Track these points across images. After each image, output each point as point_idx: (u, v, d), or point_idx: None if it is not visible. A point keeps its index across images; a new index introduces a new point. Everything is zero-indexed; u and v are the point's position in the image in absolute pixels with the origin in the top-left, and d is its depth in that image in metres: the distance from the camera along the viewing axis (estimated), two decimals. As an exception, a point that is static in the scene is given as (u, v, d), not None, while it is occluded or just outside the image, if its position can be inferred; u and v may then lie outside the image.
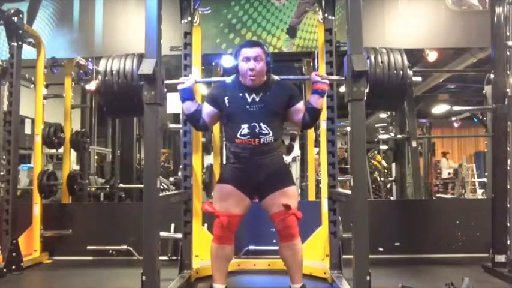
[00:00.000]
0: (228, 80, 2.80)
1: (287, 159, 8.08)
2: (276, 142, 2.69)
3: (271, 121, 2.65)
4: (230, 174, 2.73)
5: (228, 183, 2.71)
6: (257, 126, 2.62)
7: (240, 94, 2.68)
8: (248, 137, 2.61)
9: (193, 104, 2.75)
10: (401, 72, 2.64)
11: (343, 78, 2.59)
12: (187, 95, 2.74)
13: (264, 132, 2.62)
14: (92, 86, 2.73)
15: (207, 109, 2.76)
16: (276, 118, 2.70)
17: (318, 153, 4.37)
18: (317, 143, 4.64)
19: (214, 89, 2.84)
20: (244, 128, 2.62)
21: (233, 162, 2.72)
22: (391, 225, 4.32)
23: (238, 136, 2.63)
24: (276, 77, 2.76)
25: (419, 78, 3.04)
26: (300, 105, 2.74)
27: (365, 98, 2.47)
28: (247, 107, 2.65)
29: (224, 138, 2.80)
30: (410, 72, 2.73)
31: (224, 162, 3.93)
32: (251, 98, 2.66)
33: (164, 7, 2.69)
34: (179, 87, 2.73)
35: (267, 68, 2.68)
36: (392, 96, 2.74)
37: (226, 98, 2.69)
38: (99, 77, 2.70)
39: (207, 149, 4.43)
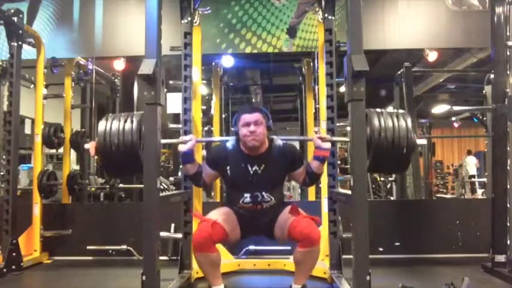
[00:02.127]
0: (229, 143, 2.79)
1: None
2: (277, 202, 2.75)
3: (273, 188, 2.73)
4: (232, 209, 2.79)
5: (228, 208, 2.78)
6: (259, 196, 2.68)
7: (242, 165, 2.70)
8: (250, 204, 2.70)
9: (194, 166, 2.77)
10: (406, 139, 2.51)
11: (347, 139, 2.58)
12: (188, 158, 2.75)
13: (266, 200, 2.70)
14: (90, 146, 2.69)
15: (208, 171, 2.79)
16: (277, 184, 2.79)
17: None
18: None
19: (216, 153, 2.86)
20: (247, 197, 2.69)
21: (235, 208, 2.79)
22: (391, 225, 4.32)
23: (241, 203, 2.70)
24: (278, 142, 2.77)
25: (424, 141, 2.94)
26: (301, 169, 2.78)
27: (364, 98, 2.46)
28: (250, 178, 2.69)
29: (225, 200, 2.86)
30: (415, 137, 2.61)
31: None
32: (253, 169, 2.69)
33: (164, 7, 2.68)
34: (180, 148, 2.72)
35: (268, 131, 2.71)
36: (397, 161, 2.63)
37: (228, 167, 2.72)
38: (97, 138, 2.65)
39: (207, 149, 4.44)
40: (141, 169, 2.50)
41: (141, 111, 2.63)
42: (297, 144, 3.77)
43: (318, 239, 2.62)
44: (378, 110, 2.64)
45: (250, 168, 2.68)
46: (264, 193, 2.68)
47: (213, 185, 5.27)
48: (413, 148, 2.57)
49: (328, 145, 2.71)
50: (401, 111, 2.68)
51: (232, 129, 2.79)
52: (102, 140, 2.61)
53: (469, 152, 12.52)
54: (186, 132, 3.46)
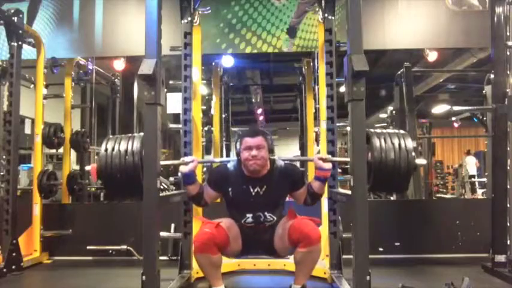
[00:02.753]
0: (230, 165, 2.81)
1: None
2: (279, 219, 2.78)
3: (275, 208, 2.76)
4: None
5: (232, 220, 2.79)
6: (262, 216, 2.71)
7: (244, 186, 2.72)
8: (253, 224, 2.72)
9: (196, 187, 2.77)
10: (406, 159, 2.53)
11: (348, 159, 2.59)
12: (190, 179, 2.74)
13: (268, 219, 2.73)
14: (91, 170, 2.67)
15: (210, 192, 2.80)
16: (279, 203, 2.80)
17: (318, 153, 4.37)
18: (317, 143, 4.64)
19: (217, 175, 2.87)
20: (249, 218, 2.72)
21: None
22: (391, 225, 4.32)
23: (243, 222, 2.73)
24: (280, 163, 2.78)
25: (423, 161, 2.97)
26: (303, 190, 2.80)
27: (364, 98, 2.46)
28: (251, 200, 2.71)
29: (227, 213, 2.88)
30: (414, 157, 2.63)
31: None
32: (255, 191, 2.71)
33: (164, 7, 2.68)
34: (181, 169, 2.72)
35: (269, 153, 2.73)
36: (397, 181, 2.64)
37: (230, 188, 2.74)
38: (98, 159, 2.64)
39: (207, 149, 4.44)
40: (142, 193, 2.49)
41: (142, 133, 2.62)
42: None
43: (318, 238, 2.61)
44: (378, 130, 2.66)
45: (252, 190, 2.71)
46: (266, 213, 2.72)
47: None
48: (414, 169, 2.59)
49: (329, 166, 2.72)
50: (401, 131, 2.69)
51: (236, 150, 2.79)
52: (103, 163, 2.59)
53: (468, 152, 12.50)
54: (186, 133, 3.47)
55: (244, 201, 2.72)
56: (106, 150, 2.60)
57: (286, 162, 2.84)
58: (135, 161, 2.57)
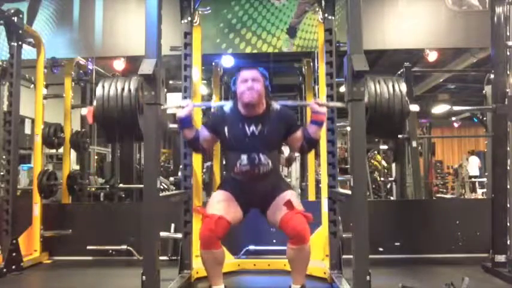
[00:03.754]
0: (227, 106, 2.80)
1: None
2: (274, 168, 2.74)
3: (270, 151, 2.71)
4: (229, 184, 2.79)
5: (225, 190, 2.77)
6: (256, 158, 2.66)
7: (240, 125, 2.70)
8: (248, 167, 2.66)
9: (192, 131, 2.77)
10: (400, 103, 2.60)
11: (344, 105, 2.59)
12: (186, 124, 2.74)
13: (263, 163, 2.67)
14: (86, 112, 2.66)
15: (206, 135, 2.79)
16: (275, 147, 2.77)
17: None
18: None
19: (214, 116, 2.87)
20: (244, 159, 2.66)
21: (233, 178, 2.76)
22: (391, 225, 4.32)
23: (238, 166, 2.68)
24: (276, 106, 2.77)
25: (417, 108, 3.05)
26: (299, 134, 2.77)
27: (364, 98, 2.48)
28: (247, 139, 2.68)
29: (224, 165, 2.86)
30: (408, 104, 2.70)
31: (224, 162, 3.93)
32: (250, 130, 2.69)
33: (164, 7, 2.68)
34: (178, 114, 2.73)
35: (266, 93, 2.71)
36: (392, 125, 2.71)
37: (226, 128, 2.72)
38: (95, 102, 2.64)
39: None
40: (140, 135, 2.50)
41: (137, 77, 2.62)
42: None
43: (308, 238, 2.61)
44: (373, 76, 2.72)
45: (247, 129, 2.68)
46: (261, 155, 2.65)
47: (213, 184, 5.26)
48: (407, 113, 2.66)
49: (324, 109, 2.71)
50: (395, 78, 2.76)
51: (232, 89, 2.79)
52: (100, 105, 2.60)
53: (472, 152, 12.48)
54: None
55: (239, 141, 2.68)
56: (102, 91, 2.60)
57: (282, 106, 2.81)
58: (131, 102, 2.57)
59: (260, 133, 2.68)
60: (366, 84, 2.56)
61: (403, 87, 2.63)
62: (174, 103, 2.87)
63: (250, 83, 2.63)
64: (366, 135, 2.48)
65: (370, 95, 2.57)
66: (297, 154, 7.29)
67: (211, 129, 2.78)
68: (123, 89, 2.58)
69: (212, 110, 3.16)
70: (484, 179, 7.85)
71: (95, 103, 2.62)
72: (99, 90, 2.62)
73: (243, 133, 2.68)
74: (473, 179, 10.91)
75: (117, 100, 2.57)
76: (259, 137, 2.68)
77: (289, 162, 7.33)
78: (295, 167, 8.85)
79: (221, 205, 2.69)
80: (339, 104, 2.86)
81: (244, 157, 2.65)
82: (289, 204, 2.64)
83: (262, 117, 2.71)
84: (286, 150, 6.06)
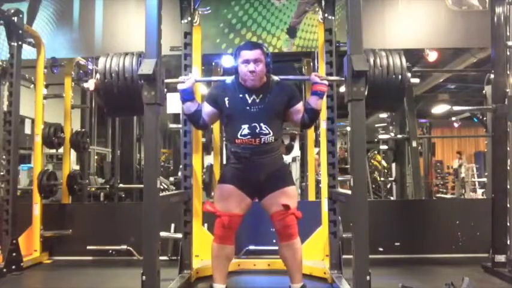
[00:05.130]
0: (228, 80, 2.80)
1: (287, 159, 8.07)
2: (276, 142, 2.71)
3: (271, 121, 2.68)
4: (231, 174, 2.75)
5: (229, 183, 2.73)
6: (257, 127, 2.64)
7: (240, 95, 2.69)
8: (249, 137, 2.64)
9: (194, 104, 2.76)
10: (399, 75, 2.68)
11: (343, 78, 2.59)
12: (188, 95, 2.75)
13: (264, 132, 2.64)
14: (90, 84, 2.70)
15: (207, 109, 2.77)
16: (276, 118, 2.72)
17: (318, 153, 4.37)
18: (317, 143, 4.64)
19: (214, 89, 2.84)
20: (245, 129, 2.64)
21: (234, 163, 2.74)
22: (391, 225, 4.32)
23: (239, 136, 2.65)
24: (276, 78, 2.77)
25: (417, 80, 3.10)
26: (300, 106, 2.75)
27: (364, 98, 2.48)
28: (248, 108, 2.67)
29: (224, 138, 2.82)
30: (409, 74, 2.76)
31: (224, 162, 3.94)
32: (251, 99, 2.68)
33: (164, 7, 2.69)
34: (179, 87, 2.74)
35: (266, 69, 2.70)
36: (391, 97, 2.80)
37: (226, 98, 2.71)
38: (98, 75, 2.68)
39: (207, 149, 4.43)
40: (141, 108, 2.50)
41: (141, 51, 2.65)
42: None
43: (295, 233, 2.68)
44: (373, 49, 2.78)
45: (248, 98, 2.68)
46: (262, 124, 2.64)
47: (213, 183, 5.26)
48: (407, 82, 2.71)
49: (325, 81, 2.72)
50: (394, 50, 2.80)
51: (233, 63, 2.78)
52: (102, 76, 2.62)
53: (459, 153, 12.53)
54: (186, 133, 3.47)
55: (240, 111, 2.67)
56: (105, 64, 2.63)
57: (282, 79, 2.82)
58: (134, 75, 2.62)
59: (261, 102, 2.68)
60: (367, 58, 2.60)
61: (403, 58, 2.68)
62: (176, 79, 2.84)
63: (252, 66, 2.62)
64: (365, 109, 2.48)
65: (369, 66, 2.59)
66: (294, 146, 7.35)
67: (213, 102, 2.76)
68: (124, 60, 2.62)
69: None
70: (484, 179, 7.84)
71: (97, 76, 2.65)
72: (101, 64, 2.65)
73: (244, 103, 2.68)
74: (472, 179, 10.91)
75: (118, 73, 2.61)
76: (260, 107, 2.67)
77: (288, 150, 7.38)
78: (295, 166, 8.87)
79: (231, 201, 2.69)
80: (337, 78, 2.87)
81: (245, 126, 2.64)
82: (286, 205, 2.66)
83: (263, 88, 2.71)
84: (286, 139, 6.07)
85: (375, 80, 2.62)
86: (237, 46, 2.83)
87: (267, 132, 2.65)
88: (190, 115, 2.80)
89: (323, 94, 2.73)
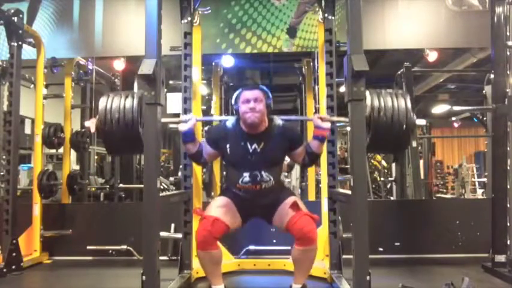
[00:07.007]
0: (229, 122, 2.79)
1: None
2: (276, 183, 2.75)
3: (272, 168, 2.72)
4: (232, 194, 2.79)
5: (227, 197, 2.78)
6: (258, 175, 2.67)
7: (242, 143, 2.70)
8: (250, 184, 2.68)
9: (195, 146, 2.78)
10: (404, 122, 2.52)
11: (347, 119, 2.57)
12: (189, 138, 2.76)
13: (265, 179, 2.69)
14: (91, 125, 2.69)
15: (208, 149, 2.80)
16: (277, 164, 2.78)
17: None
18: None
19: (216, 132, 2.86)
20: (246, 176, 2.68)
21: (235, 192, 2.78)
22: (391, 225, 4.32)
23: (240, 183, 2.69)
24: (278, 121, 2.77)
25: (423, 121, 2.99)
26: (301, 149, 2.79)
27: (364, 98, 2.47)
28: (249, 157, 2.69)
29: (224, 179, 2.87)
30: (414, 117, 2.63)
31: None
32: (252, 147, 2.69)
33: (164, 7, 2.68)
34: (180, 128, 2.73)
35: (267, 110, 2.71)
36: (395, 143, 2.67)
37: (228, 145, 2.72)
38: (98, 116, 2.66)
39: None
40: (141, 147, 2.50)
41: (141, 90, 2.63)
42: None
43: (315, 239, 2.63)
44: (378, 90, 2.66)
45: (249, 147, 2.68)
46: (263, 172, 2.67)
47: (213, 184, 5.27)
48: (412, 127, 2.61)
49: (327, 125, 2.71)
50: (400, 91, 2.70)
51: (234, 107, 2.78)
52: (102, 117, 2.61)
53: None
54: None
55: (241, 159, 2.69)
56: (105, 104, 2.63)
57: (284, 121, 2.81)
58: (134, 115, 2.59)
59: (262, 151, 2.69)
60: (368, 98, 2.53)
61: (408, 100, 2.57)
62: (175, 119, 2.87)
63: (252, 104, 2.63)
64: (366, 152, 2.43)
65: (373, 109, 2.52)
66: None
67: (214, 144, 2.78)
68: (125, 103, 2.60)
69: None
70: (484, 179, 7.83)
71: (98, 116, 2.64)
72: (102, 103, 2.63)
73: (245, 151, 2.69)
74: (472, 179, 10.91)
75: (119, 119, 2.59)
76: (261, 155, 2.68)
77: (290, 167, 7.36)
78: (296, 166, 8.86)
79: (220, 210, 2.70)
80: (342, 119, 2.82)
81: (246, 174, 2.67)
82: (295, 206, 2.67)
83: (264, 135, 2.71)
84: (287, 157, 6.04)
85: (378, 126, 2.51)
86: (238, 90, 2.81)
87: (268, 179, 2.69)
88: (191, 155, 2.84)
89: (325, 139, 2.78)
